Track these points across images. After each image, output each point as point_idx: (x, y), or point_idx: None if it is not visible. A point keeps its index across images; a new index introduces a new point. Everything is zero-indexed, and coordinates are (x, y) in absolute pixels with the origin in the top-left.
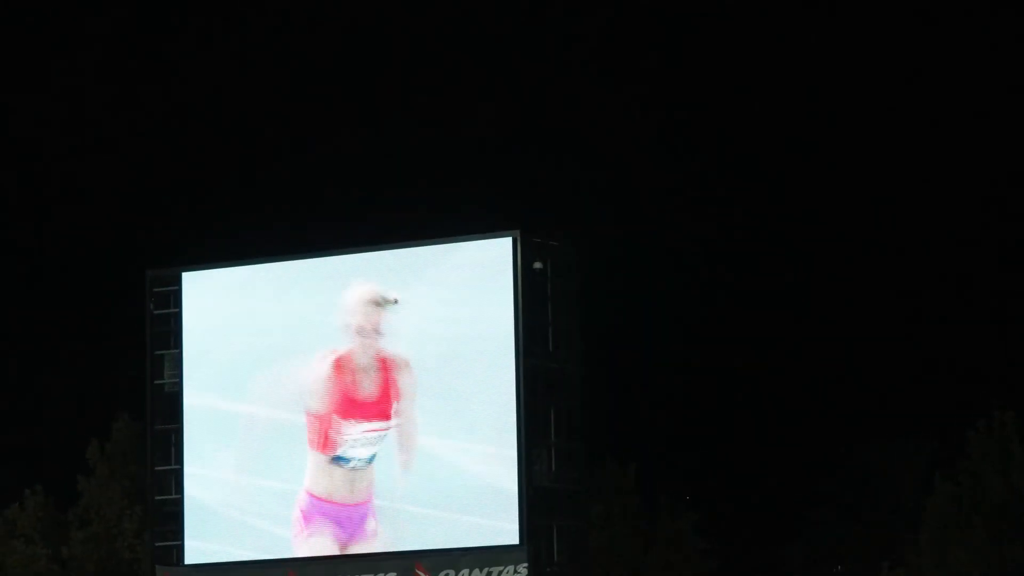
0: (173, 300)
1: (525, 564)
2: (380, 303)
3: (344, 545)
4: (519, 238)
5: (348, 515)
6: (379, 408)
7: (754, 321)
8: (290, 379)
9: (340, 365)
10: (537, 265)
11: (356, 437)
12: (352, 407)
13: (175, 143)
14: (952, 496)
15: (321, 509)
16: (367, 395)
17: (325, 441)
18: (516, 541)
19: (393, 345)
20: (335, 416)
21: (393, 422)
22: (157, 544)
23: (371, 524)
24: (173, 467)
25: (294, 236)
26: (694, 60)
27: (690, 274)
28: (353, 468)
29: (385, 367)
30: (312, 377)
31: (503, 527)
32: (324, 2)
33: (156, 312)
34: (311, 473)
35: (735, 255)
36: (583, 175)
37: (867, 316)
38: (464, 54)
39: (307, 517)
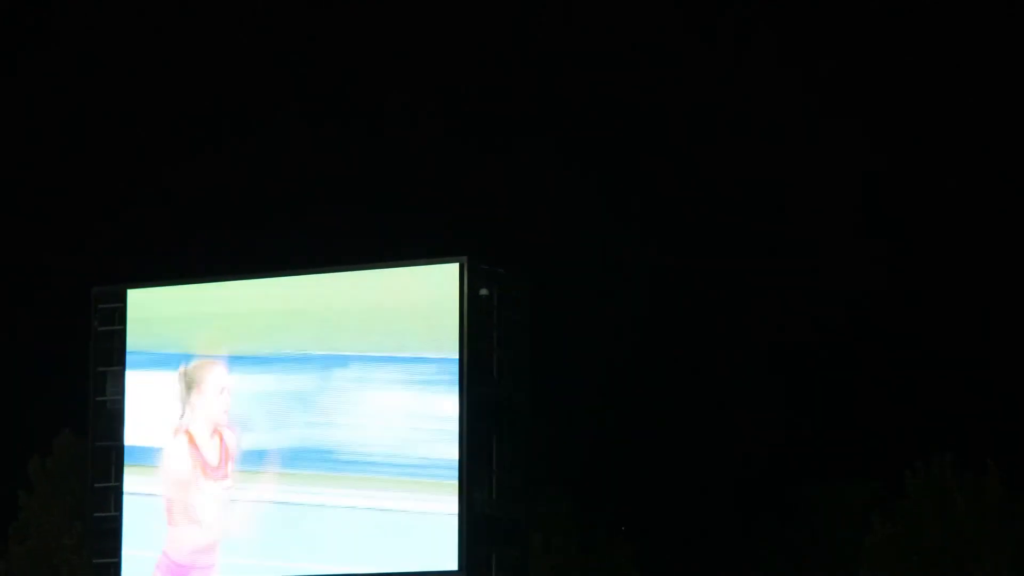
0: (118, 317)
1: None
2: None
3: None
4: (466, 264)
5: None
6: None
7: (698, 355)
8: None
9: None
10: (483, 292)
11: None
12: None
13: (123, 157)
14: (890, 536)
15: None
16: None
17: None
18: (455, 567)
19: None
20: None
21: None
22: (95, 561)
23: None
24: (113, 484)
25: (240, 256)
26: (642, 90)
27: (636, 305)
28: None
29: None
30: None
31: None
32: (277, 21)
33: (100, 329)
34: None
35: (680, 287)
36: (531, 203)
37: (808, 354)
38: (417, 80)
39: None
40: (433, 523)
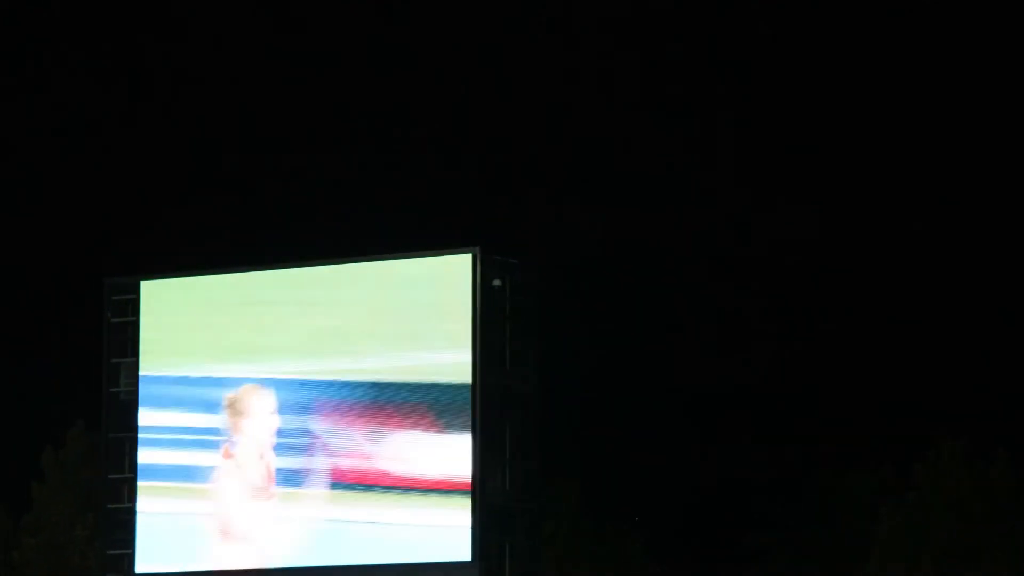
0: (131, 309)
1: None
2: None
3: None
4: (479, 255)
5: None
6: None
7: (708, 345)
8: None
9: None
10: (496, 283)
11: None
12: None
13: (136, 151)
14: (900, 525)
15: None
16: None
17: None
18: (468, 557)
19: None
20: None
21: None
22: (108, 552)
23: None
24: (126, 476)
25: (253, 248)
26: (653, 77)
27: (647, 294)
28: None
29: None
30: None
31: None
32: (281, 19)
33: (114, 320)
34: None
35: (691, 279)
36: (544, 194)
37: (817, 342)
38: (428, 69)
39: None
40: (446, 515)
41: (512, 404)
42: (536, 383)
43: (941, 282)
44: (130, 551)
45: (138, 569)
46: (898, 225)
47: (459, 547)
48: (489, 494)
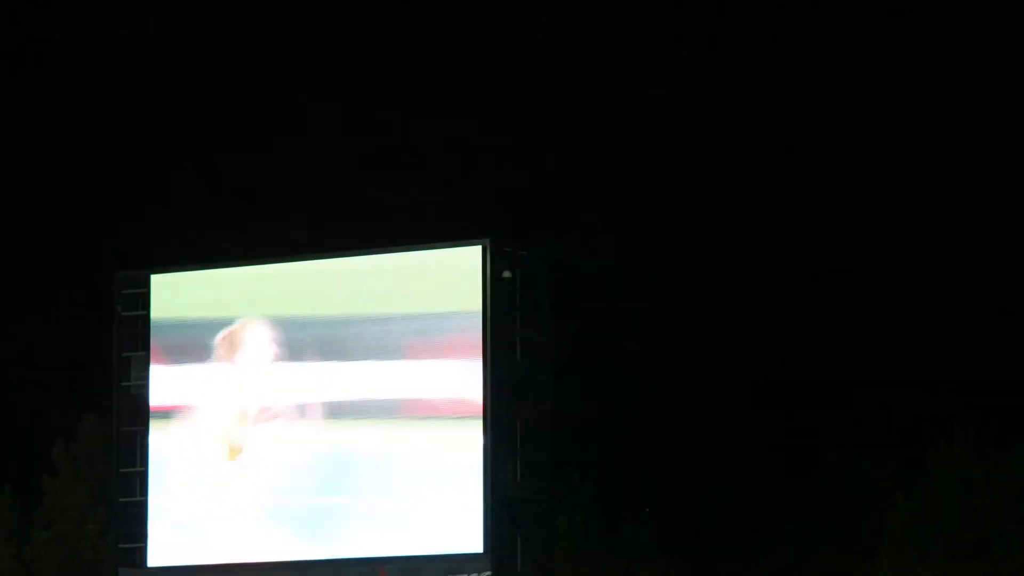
0: (141, 302)
1: (488, 573)
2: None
3: None
4: (489, 247)
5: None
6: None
7: (719, 334)
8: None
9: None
10: (506, 274)
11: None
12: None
13: (146, 142)
14: (912, 513)
15: None
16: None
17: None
18: (480, 549)
19: None
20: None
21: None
22: (120, 546)
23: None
24: (138, 469)
25: (262, 240)
26: (662, 69)
27: (659, 287)
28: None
29: None
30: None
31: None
32: (281, 19)
33: (124, 314)
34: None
35: (703, 272)
36: (555, 184)
37: (829, 329)
38: (438, 59)
39: None
40: (458, 506)
41: (524, 395)
42: (548, 374)
43: (952, 270)
44: (142, 544)
45: (150, 563)
46: (900, 215)
47: (470, 539)
48: (500, 486)
